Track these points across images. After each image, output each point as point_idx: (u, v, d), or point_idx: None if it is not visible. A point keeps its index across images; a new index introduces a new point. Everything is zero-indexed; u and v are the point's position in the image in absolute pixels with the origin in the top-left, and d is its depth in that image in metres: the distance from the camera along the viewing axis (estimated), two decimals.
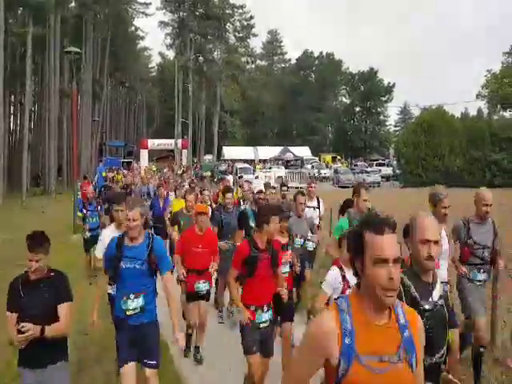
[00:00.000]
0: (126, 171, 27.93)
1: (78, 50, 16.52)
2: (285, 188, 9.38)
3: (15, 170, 34.56)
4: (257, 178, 27.78)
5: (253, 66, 66.60)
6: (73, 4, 41.89)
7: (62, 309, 3.36)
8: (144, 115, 73.85)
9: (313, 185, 7.91)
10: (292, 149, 46.95)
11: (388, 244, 1.78)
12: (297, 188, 30.81)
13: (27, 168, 31.05)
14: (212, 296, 6.11)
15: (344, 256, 3.65)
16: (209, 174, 34.16)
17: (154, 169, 33.58)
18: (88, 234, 9.69)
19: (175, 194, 11.93)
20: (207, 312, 5.54)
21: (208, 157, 56.37)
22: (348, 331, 1.77)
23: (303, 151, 49.16)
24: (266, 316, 4.07)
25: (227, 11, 53.21)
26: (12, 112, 42.58)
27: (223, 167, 40.66)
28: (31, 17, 30.46)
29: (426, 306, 2.35)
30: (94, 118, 43.11)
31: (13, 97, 42.56)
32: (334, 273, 3.78)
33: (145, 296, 3.74)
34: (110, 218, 6.21)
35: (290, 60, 74.38)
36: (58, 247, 12.33)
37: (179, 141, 42.64)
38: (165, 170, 32.25)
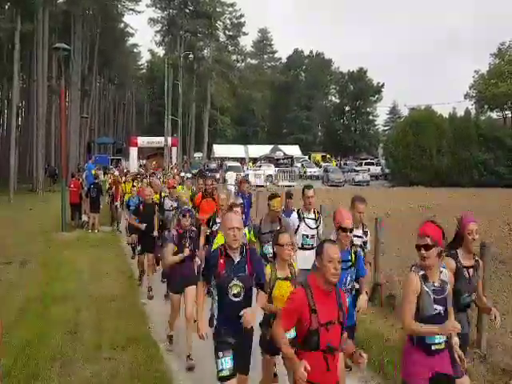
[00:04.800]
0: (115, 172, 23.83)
1: (67, 47, 16.26)
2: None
3: (3, 167, 34.15)
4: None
5: (243, 64, 66.58)
6: None
7: None
8: (133, 113, 73.37)
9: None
10: (282, 147, 47.07)
11: None
12: (287, 187, 30.93)
13: (14, 165, 30.64)
14: None
15: None
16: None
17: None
18: None
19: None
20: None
21: (198, 155, 56.23)
22: None
23: (293, 150, 49.35)
24: None
25: (217, 9, 53.06)
26: None
27: (213, 165, 40.61)
28: (19, 12, 30.06)
29: None
30: (83, 114, 42.71)
31: (0, 93, 42.02)
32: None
33: None
34: None
35: (280, 59, 74.64)
36: (49, 244, 12.26)
37: (169, 139, 42.47)
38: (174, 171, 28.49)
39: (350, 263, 4.02)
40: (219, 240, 5.26)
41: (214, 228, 6.30)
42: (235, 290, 3.50)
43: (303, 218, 5.86)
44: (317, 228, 5.91)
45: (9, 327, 6.03)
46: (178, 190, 10.30)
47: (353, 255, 4.07)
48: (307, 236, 5.84)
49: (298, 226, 5.82)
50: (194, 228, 5.75)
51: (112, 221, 15.27)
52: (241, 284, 3.51)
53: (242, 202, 8.48)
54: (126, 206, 11.74)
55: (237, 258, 3.56)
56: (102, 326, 6.34)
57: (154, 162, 36.67)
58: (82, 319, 6.60)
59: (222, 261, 3.54)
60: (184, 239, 5.53)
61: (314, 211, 5.98)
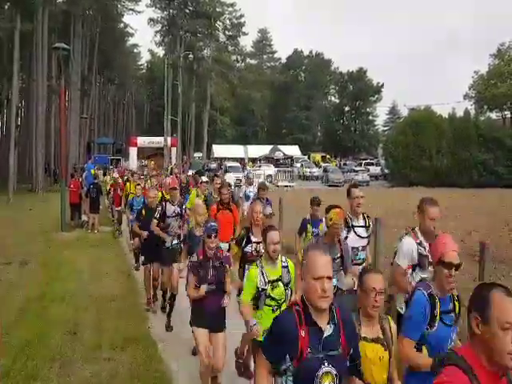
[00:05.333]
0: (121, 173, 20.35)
1: (67, 47, 16.21)
2: None
3: (2, 167, 34.10)
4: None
5: (243, 64, 66.61)
6: None
7: None
8: (133, 113, 73.40)
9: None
10: (282, 147, 47.12)
11: None
12: (286, 186, 30.92)
13: (14, 165, 30.62)
14: None
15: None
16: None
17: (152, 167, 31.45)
18: None
19: None
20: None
21: (197, 155, 56.25)
22: None
23: (293, 150, 49.43)
24: None
25: (217, 9, 53.05)
26: None
27: (213, 165, 40.66)
28: (19, 12, 30.03)
29: None
30: (83, 115, 42.70)
31: None
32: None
33: None
34: None
35: (279, 59, 74.73)
36: (49, 244, 12.25)
37: (169, 139, 42.52)
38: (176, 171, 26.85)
39: (454, 316, 2.74)
40: (252, 274, 3.83)
41: (249, 249, 4.88)
42: (326, 381, 2.11)
43: (352, 226, 4.71)
44: (368, 237, 4.87)
45: (9, 327, 6.02)
46: (192, 196, 9.06)
47: (456, 303, 2.77)
48: (357, 248, 4.71)
49: (346, 237, 4.61)
50: (220, 255, 4.33)
51: (118, 223, 14.16)
52: (334, 371, 2.13)
53: (271, 211, 7.75)
54: (128, 206, 10.73)
55: (327, 328, 2.15)
56: (101, 326, 6.33)
57: (153, 163, 36.62)
58: (81, 319, 6.59)
59: (303, 332, 2.11)
60: (205, 269, 4.21)
61: (364, 216, 4.88)
